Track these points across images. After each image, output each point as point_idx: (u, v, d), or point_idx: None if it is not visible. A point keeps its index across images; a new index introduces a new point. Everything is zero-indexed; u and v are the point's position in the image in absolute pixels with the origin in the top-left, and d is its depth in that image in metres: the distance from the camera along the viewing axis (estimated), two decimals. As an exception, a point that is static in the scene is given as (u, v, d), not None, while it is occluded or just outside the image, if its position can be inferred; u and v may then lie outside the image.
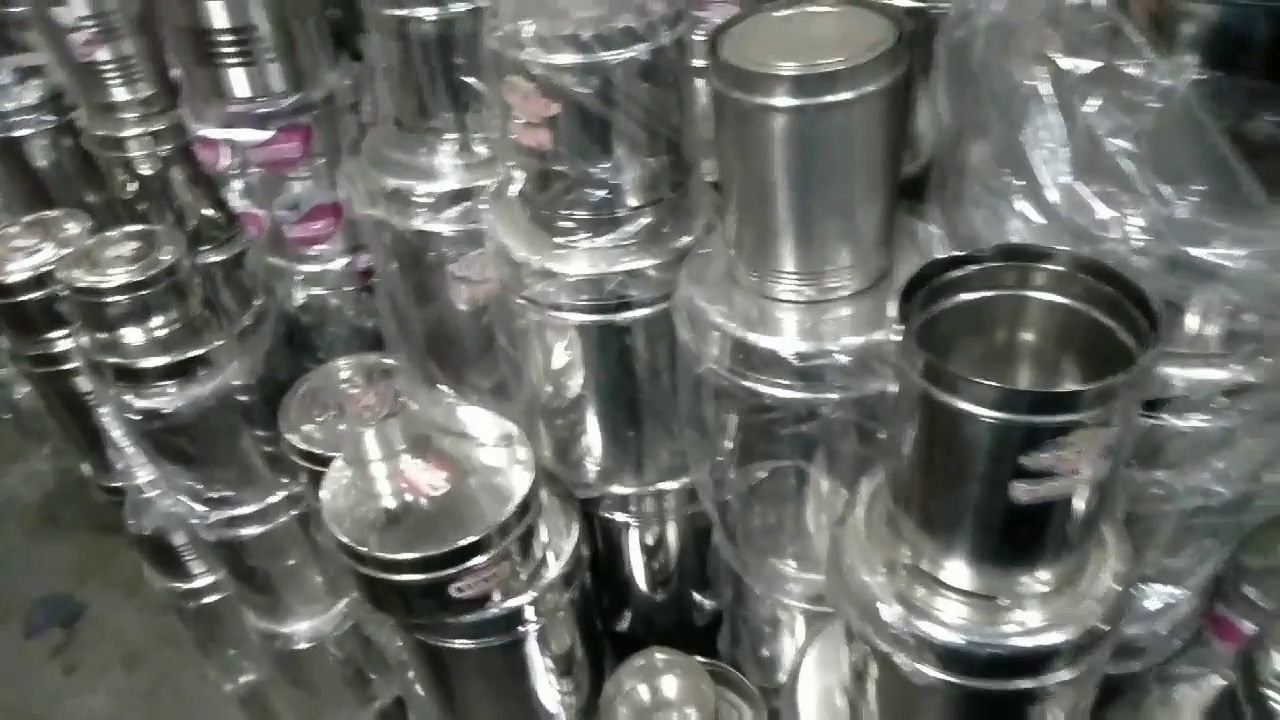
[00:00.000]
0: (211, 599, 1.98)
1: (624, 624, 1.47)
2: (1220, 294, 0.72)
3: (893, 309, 0.68)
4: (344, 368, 1.62)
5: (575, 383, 1.16)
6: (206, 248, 1.78)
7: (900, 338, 0.66)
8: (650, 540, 1.35)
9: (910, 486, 0.74)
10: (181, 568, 1.95)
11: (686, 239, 1.07)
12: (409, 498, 1.14)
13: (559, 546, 1.22)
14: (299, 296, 1.69)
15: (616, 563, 1.39)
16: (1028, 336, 0.72)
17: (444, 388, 1.39)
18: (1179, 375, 0.80)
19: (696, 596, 1.42)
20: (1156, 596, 0.98)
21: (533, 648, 1.23)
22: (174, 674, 2.33)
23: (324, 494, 1.15)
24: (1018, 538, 0.71)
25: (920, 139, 1.05)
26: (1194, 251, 0.70)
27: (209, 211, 1.75)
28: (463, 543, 1.06)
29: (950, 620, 0.75)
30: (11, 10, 1.78)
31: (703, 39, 1.19)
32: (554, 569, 1.20)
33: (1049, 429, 0.61)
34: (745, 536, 1.10)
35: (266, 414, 1.58)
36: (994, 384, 0.61)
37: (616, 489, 1.27)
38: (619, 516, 1.32)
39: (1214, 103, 0.67)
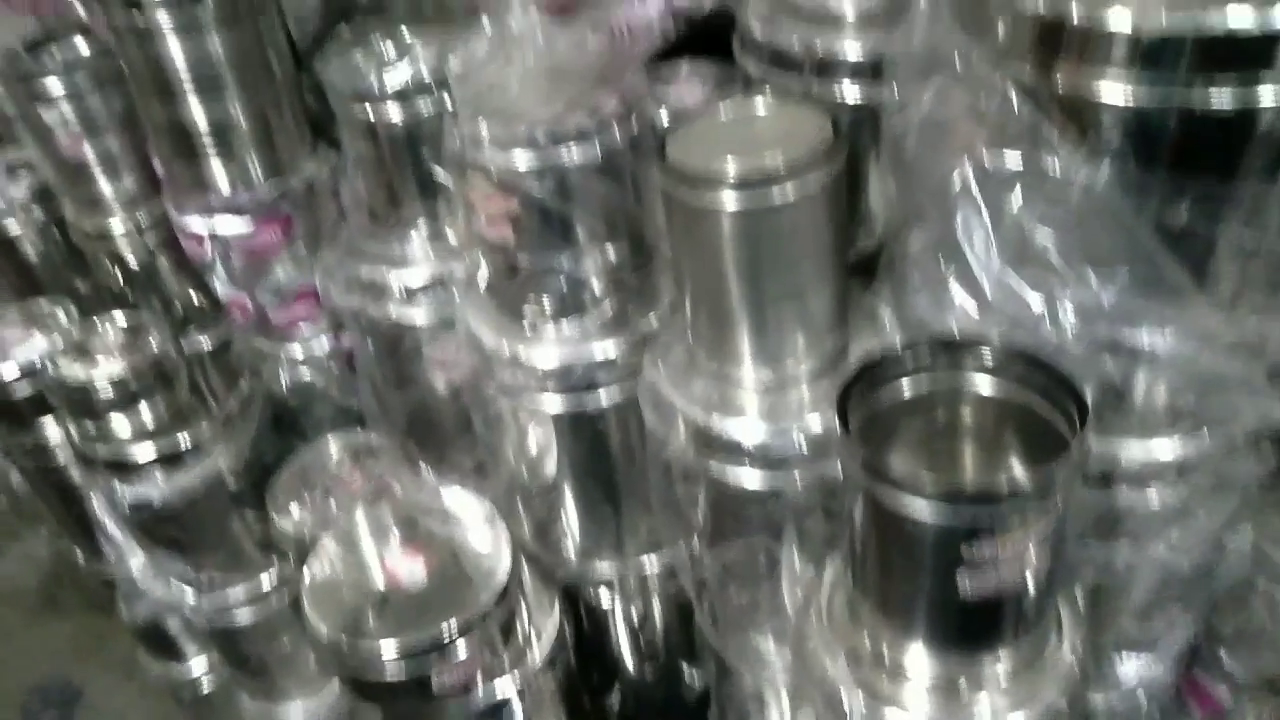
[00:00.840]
0: (207, 684, 1.97)
1: (614, 702, 1.46)
2: (1155, 374, 0.74)
3: (830, 408, 0.70)
4: (330, 448, 1.64)
5: (550, 465, 1.17)
6: (194, 332, 1.81)
7: (840, 434, 0.68)
8: (634, 617, 1.35)
9: (864, 575, 0.75)
10: (177, 653, 1.95)
11: (652, 320, 1.09)
12: (392, 586, 1.15)
13: (542, 627, 1.23)
14: (285, 378, 1.71)
15: (602, 641, 1.39)
16: (968, 420, 0.74)
17: (425, 467, 1.41)
18: (1127, 451, 0.81)
19: (684, 672, 1.42)
20: (1131, 665, 0.98)
21: (519, 730, 1.23)
22: (172, 758, 2.31)
23: (304, 584, 1.17)
24: (972, 624, 0.72)
25: (874, 217, 1.08)
26: (1125, 335, 0.72)
27: (195, 297, 1.78)
28: (443, 631, 1.07)
29: (913, 708, 0.76)
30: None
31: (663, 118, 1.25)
32: (537, 651, 1.20)
33: (986, 522, 0.63)
34: (723, 614, 1.11)
35: (254, 496, 1.60)
36: (929, 481, 0.63)
37: (597, 568, 1.27)
38: (602, 594, 1.33)
39: (1133, 194, 0.69)
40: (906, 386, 0.73)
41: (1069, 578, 0.79)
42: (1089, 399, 0.66)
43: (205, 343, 1.80)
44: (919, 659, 0.76)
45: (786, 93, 0.94)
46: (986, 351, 0.71)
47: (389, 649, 1.06)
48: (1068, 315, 0.72)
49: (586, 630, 1.38)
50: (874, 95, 0.98)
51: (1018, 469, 0.71)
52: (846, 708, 0.76)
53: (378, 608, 1.13)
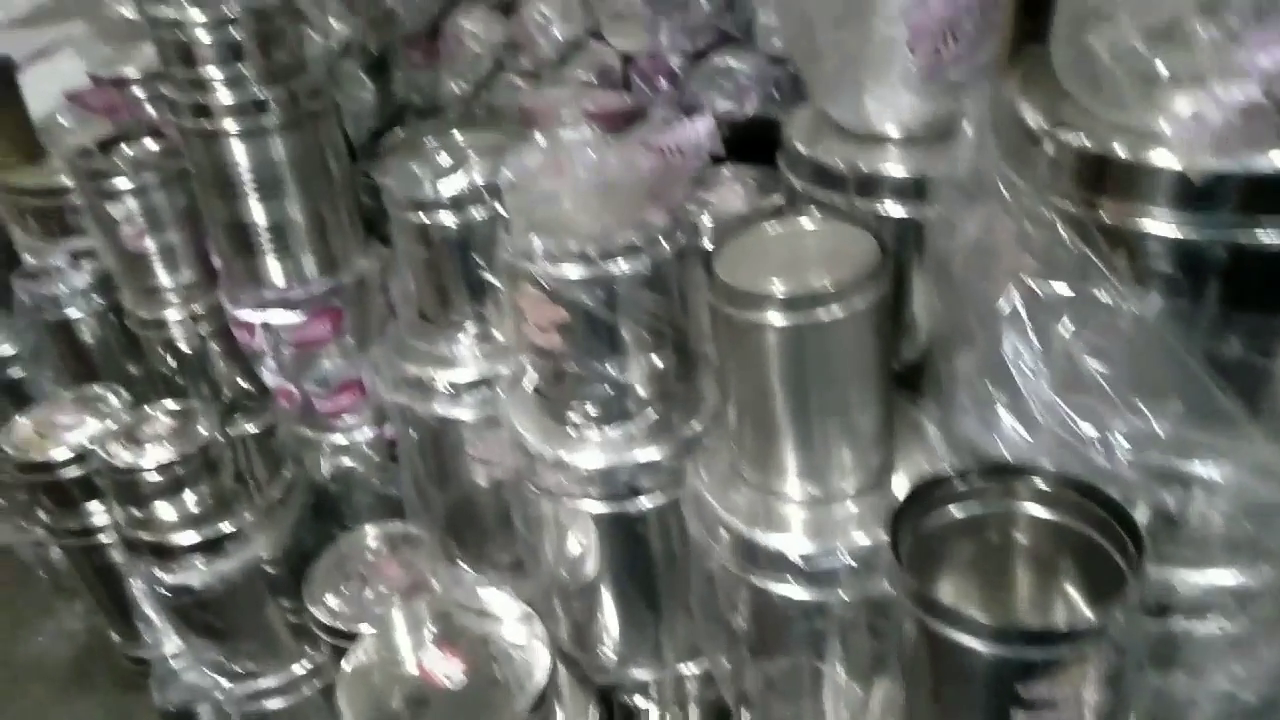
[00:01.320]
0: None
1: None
2: (1211, 504, 0.73)
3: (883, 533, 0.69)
4: (368, 537, 1.64)
5: (590, 566, 1.17)
6: (239, 418, 1.85)
7: (891, 562, 0.67)
8: (671, 723, 1.32)
9: (916, 704, 0.74)
10: (205, 738, 1.93)
11: (695, 427, 1.10)
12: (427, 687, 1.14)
13: (579, 735, 1.21)
14: (326, 466, 1.73)
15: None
16: (1021, 545, 0.73)
17: (463, 564, 1.41)
18: (1184, 581, 0.80)
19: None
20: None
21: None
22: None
23: (341, 678, 1.16)
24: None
25: (918, 328, 1.08)
26: (1179, 465, 0.71)
27: (243, 384, 1.82)
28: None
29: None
30: (70, 199, 1.91)
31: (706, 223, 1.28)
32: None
33: (1044, 661, 0.62)
34: (764, 727, 1.09)
35: (292, 584, 1.60)
36: (986, 618, 0.62)
37: (635, 673, 1.26)
38: (639, 701, 1.31)
39: (1184, 325, 0.69)
40: (958, 511, 0.73)
41: (1126, 710, 0.77)
42: (1144, 530, 0.65)
43: (250, 429, 1.83)
44: (972, 794, 0.74)
45: (831, 209, 0.96)
46: (1041, 480, 0.71)
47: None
48: (1120, 444, 0.72)
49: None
50: (917, 212, 0.99)
51: (1073, 600, 0.70)
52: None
53: (413, 707, 1.12)
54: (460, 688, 1.13)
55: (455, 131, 1.69)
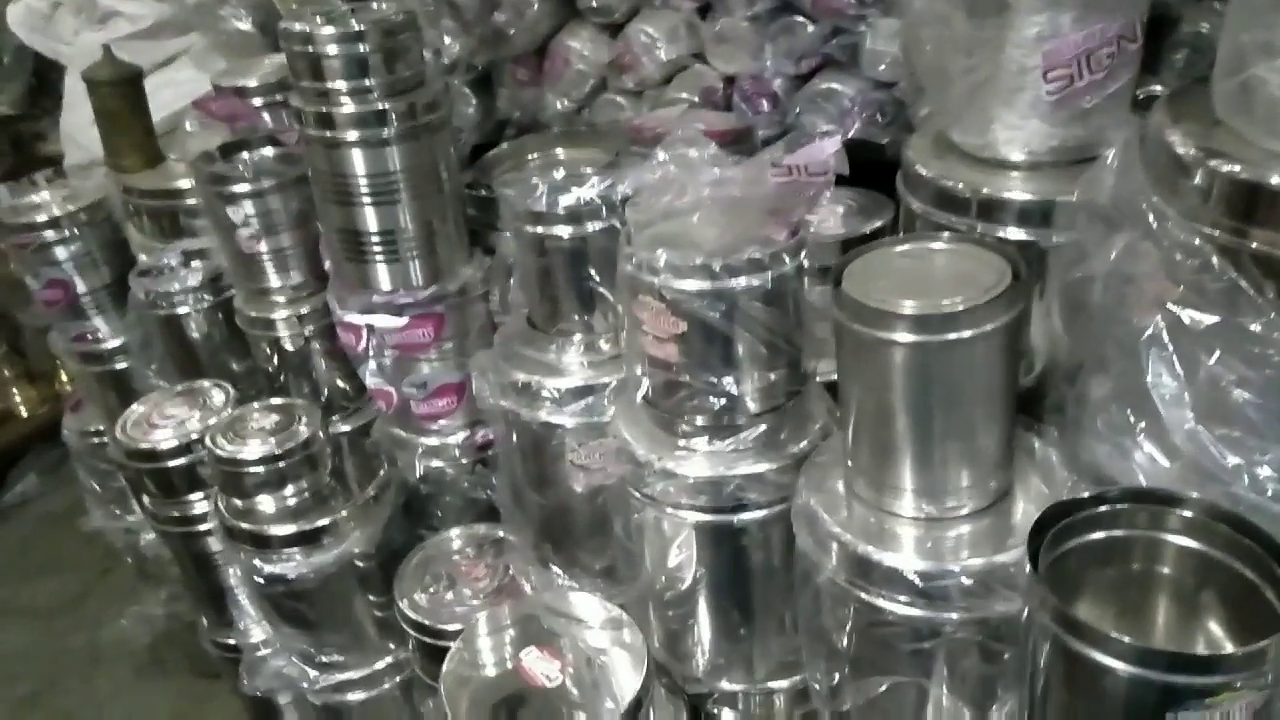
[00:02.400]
0: (309, 762, 1.99)
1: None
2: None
3: (1019, 546, 0.70)
4: (456, 538, 1.68)
5: (689, 577, 1.18)
6: (337, 417, 1.91)
7: (1030, 579, 0.67)
8: (759, 739, 1.32)
9: (1044, 727, 0.73)
10: (283, 727, 1.98)
11: (803, 444, 1.11)
12: (525, 686, 1.16)
13: (667, 744, 1.22)
14: (419, 467, 1.78)
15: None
16: (1165, 573, 0.73)
17: (555, 568, 1.43)
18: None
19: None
20: None
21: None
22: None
23: (445, 684, 1.18)
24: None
25: (1034, 352, 1.08)
26: (1330, 501, 0.70)
27: (342, 384, 1.88)
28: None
29: None
30: (185, 201, 2.00)
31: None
32: (663, 767, 1.19)
33: (1190, 690, 0.61)
34: (861, 747, 1.08)
35: (381, 580, 1.65)
36: (1130, 641, 0.62)
37: (726, 685, 1.26)
38: (727, 714, 1.31)
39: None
40: (1099, 535, 0.73)
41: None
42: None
43: (347, 426, 1.89)
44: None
45: (961, 233, 0.97)
46: (1188, 508, 0.70)
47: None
48: (1266, 475, 0.71)
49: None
50: (1041, 237, 1.00)
51: (1215, 634, 0.69)
52: None
53: (512, 706, 1.14)
54: (558, 688, 1.15)
55: (559, 148, 1.75)
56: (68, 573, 2.95)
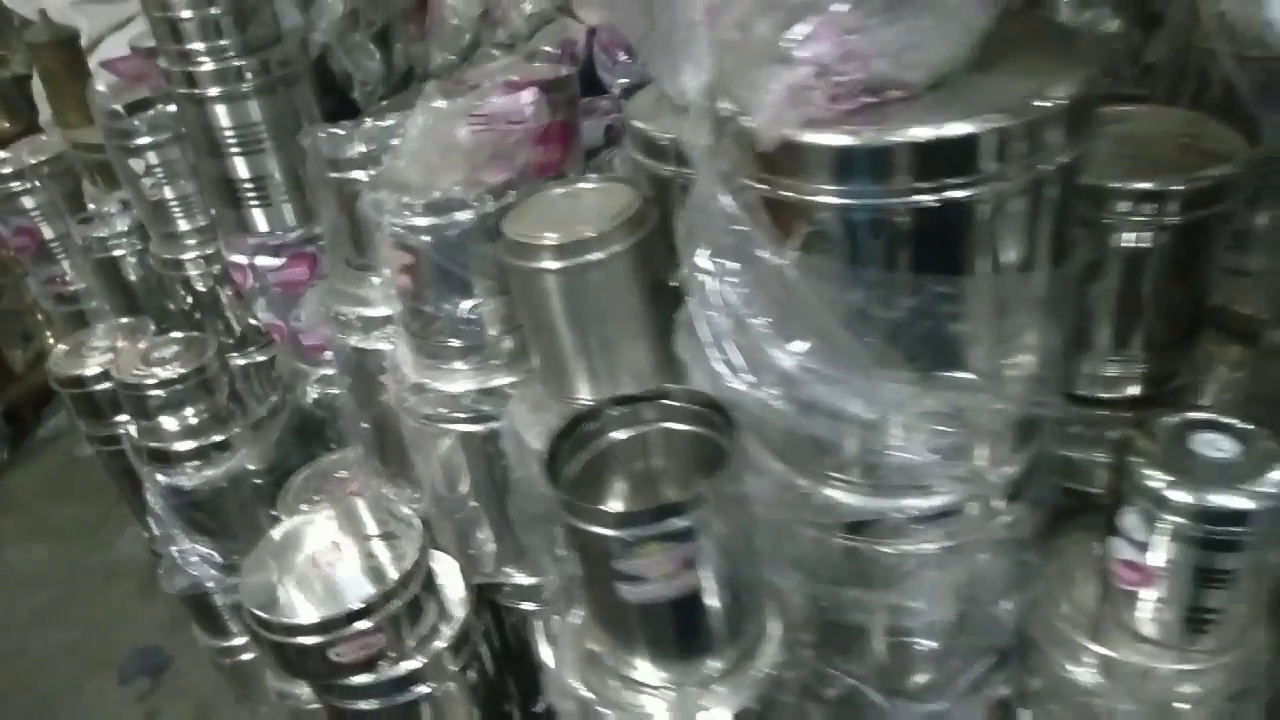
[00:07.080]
0: (244, 657, 2.23)
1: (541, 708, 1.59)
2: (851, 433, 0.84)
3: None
4: (339, 459, 1.88)
5: (460, 482, 1.35)
6: (253, 349, 2.11)
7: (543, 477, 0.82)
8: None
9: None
10: (220, 627, 2.22)
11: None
12: (315, 572, 1.35)
13: (452, 618, 1.40)
14: (312, 394, 1.97)
15: (526, 651, 1.53)
16: (662, 463, 0.87)
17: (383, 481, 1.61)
18: (863, 504, 0.91)
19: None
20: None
21: (430, 713, 1.40)
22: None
23: (243, 574, 1.38)
24: (667, 632, 0.84)
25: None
26: (822, 401, 0.82)
27: (251, 321, 2.08)
28: (336, 612, 1.26)
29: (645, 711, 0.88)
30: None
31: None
32: (444, 637, 1.37)
33: (624, 540, 0.75)
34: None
35: (276, 494, 1.86)
36: (583, 503, 0.76)
37: (511, 576, 1.43)
38: (523, 605, 1.48)
39: (821, 282, 0.80)
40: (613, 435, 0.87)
41: (756, 599, 0.88)
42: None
43: (261, 358, 2.09)
44: (645, 668, 0.88)
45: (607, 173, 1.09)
46: (672, 397, 0.84)
47: (287, 623, 1.26)
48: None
49: (512, 644, 1.53)
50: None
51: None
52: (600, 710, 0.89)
53: (302, 594, 1.33)
54: (344, 575, 1.34)
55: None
56: (89, 499, 3.21)
